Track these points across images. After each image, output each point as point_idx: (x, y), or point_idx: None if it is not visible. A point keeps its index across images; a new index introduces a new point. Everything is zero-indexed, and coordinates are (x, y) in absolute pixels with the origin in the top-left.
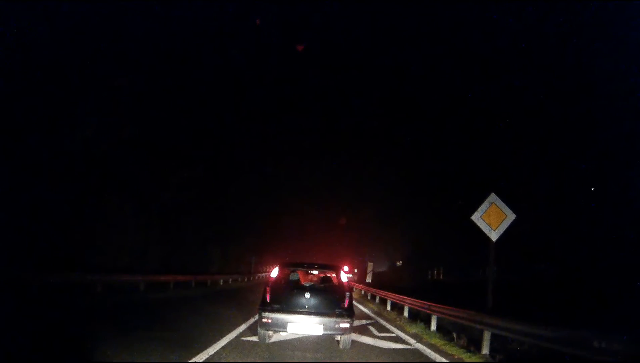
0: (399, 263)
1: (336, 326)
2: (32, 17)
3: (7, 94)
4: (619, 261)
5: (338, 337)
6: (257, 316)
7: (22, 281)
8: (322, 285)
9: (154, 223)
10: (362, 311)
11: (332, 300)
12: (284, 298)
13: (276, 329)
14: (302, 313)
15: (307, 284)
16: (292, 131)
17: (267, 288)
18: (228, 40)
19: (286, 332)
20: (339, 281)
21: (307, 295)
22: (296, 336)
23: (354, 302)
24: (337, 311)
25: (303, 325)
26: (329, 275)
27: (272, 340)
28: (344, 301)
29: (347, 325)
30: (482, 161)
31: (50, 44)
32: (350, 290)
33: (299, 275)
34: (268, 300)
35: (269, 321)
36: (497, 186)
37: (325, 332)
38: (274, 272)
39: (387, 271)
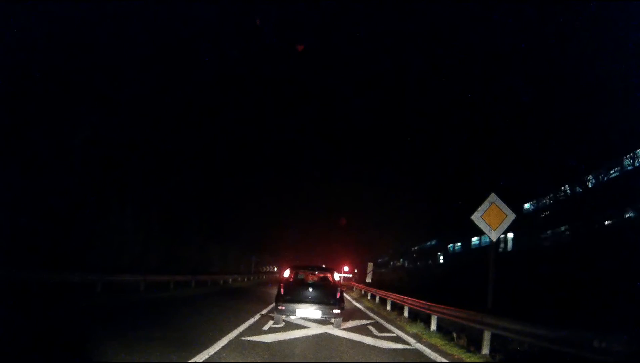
0: (398, 263)
1: (331, 312)
2: (32, 17)
3: (8, 94)
4: (619, 261)
5: (332, 320)
6: (257, 317)
7: (22, 281)
8: (321, 283)
9: (154, 223)
10: (361, 311)
11: (328, 294)
12: (294, 292)
13: (288, 314)
14: (306, 302)
15: (310, 282)
16: (292, 131)
17: (282, 284)
18: (228, 40)
19: (295, 315)
20: (333, 280)
21: (310, 290)
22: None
23: (354, 302)
24: (332, 301)
25: (307, 311)
26: (326, 275)
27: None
28: (336, 295)
29: (338, 311)
30: (482, 161)
31: (51, 43)
32: (342, 286)
33: (304, 275)
34: (282, 293)
35: (283, 308)
36: (497, 186)
37: (323, 316)
38: (286, 273)
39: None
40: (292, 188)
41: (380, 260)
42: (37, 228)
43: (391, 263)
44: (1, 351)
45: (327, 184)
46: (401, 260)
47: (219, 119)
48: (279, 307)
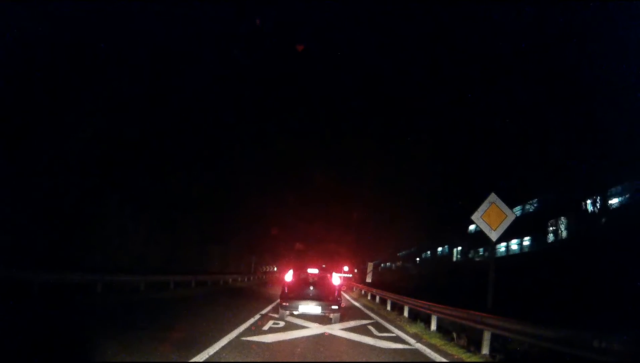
0: (398, 264)
1: (330, 308)
2: (32, 17)
3: (8, 94)
4: (619, 261)
5: (331, 316)
6: (257, 316)
7: (22, 281)
8: (321, 282)
9: (154, 223)
10: (361, 311)
11: (327, 292)
12: (296, 290)
13: (291, 310)
14: (307, 299)
15: (311, 280)
16: (293, 131)
17: (285, 284)
18: (228, 40)
19: (298, 311)
20: (332, 280)
21: (311, 288)
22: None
23: (354, 302)
24: (331, 298)
25: (308, 307)
26: (325, 275)
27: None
28: (334, 293)
29: (336, 307)
30: (482, 161)
31: (51, 43)
32: (339, 285)
33: (305, 275)
34: (286, 292)
35: (287, 304)
36: (497, 186)
37: (323, 312)
38: (289, 273)
39: (377, 271)
40: (292, 188)
41: (380, 261)
42: (37, 228)
43: (391, 263)
44: (1, 351)
45: (327, 184)
46: (402, 260)
47: (220, 118)
48: (284, 304)
